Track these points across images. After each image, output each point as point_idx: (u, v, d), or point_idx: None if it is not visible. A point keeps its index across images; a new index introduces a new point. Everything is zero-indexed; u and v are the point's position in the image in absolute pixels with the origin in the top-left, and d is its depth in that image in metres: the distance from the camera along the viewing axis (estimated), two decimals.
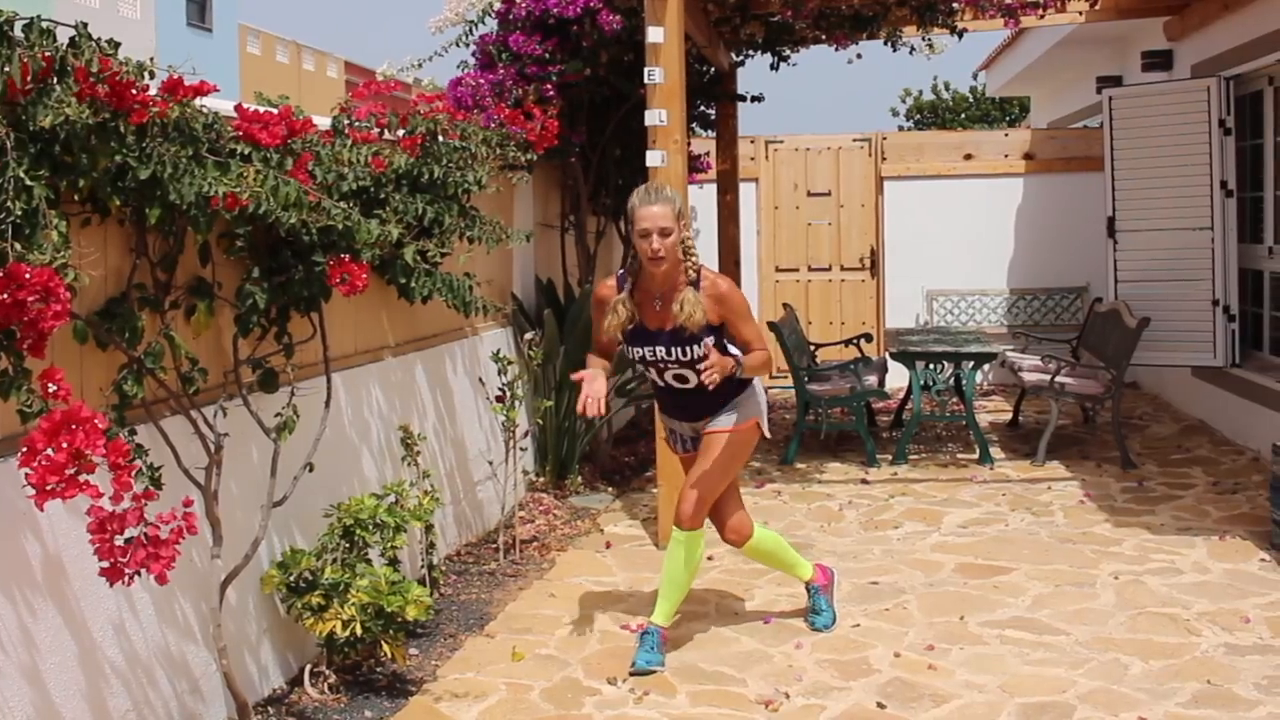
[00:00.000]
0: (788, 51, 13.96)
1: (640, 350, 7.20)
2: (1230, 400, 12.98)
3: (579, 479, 11.11)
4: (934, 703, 6.56)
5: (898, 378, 14.51)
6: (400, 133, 7.72)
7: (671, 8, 9.11)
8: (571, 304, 11.52)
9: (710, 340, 6.96)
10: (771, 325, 12.68)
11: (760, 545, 7.67)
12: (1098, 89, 15.65)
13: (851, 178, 17.81)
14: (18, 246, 4.32)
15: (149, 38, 43.22)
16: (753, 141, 17.67)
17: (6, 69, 4.44)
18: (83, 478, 4.18)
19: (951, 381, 12.92)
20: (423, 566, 8.20)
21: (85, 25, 4.82)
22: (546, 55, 10.69)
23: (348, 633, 6.46)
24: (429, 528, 8.10)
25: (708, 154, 14.89)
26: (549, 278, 11.91)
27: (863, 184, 17.79)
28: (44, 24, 4.67)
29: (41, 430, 4.16)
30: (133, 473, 4.54)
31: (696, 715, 6.50)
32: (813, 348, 14.31)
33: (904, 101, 44.20)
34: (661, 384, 7.33)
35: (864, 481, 11.65)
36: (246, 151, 5.73)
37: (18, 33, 4.56)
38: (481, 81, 10.67)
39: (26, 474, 4.17)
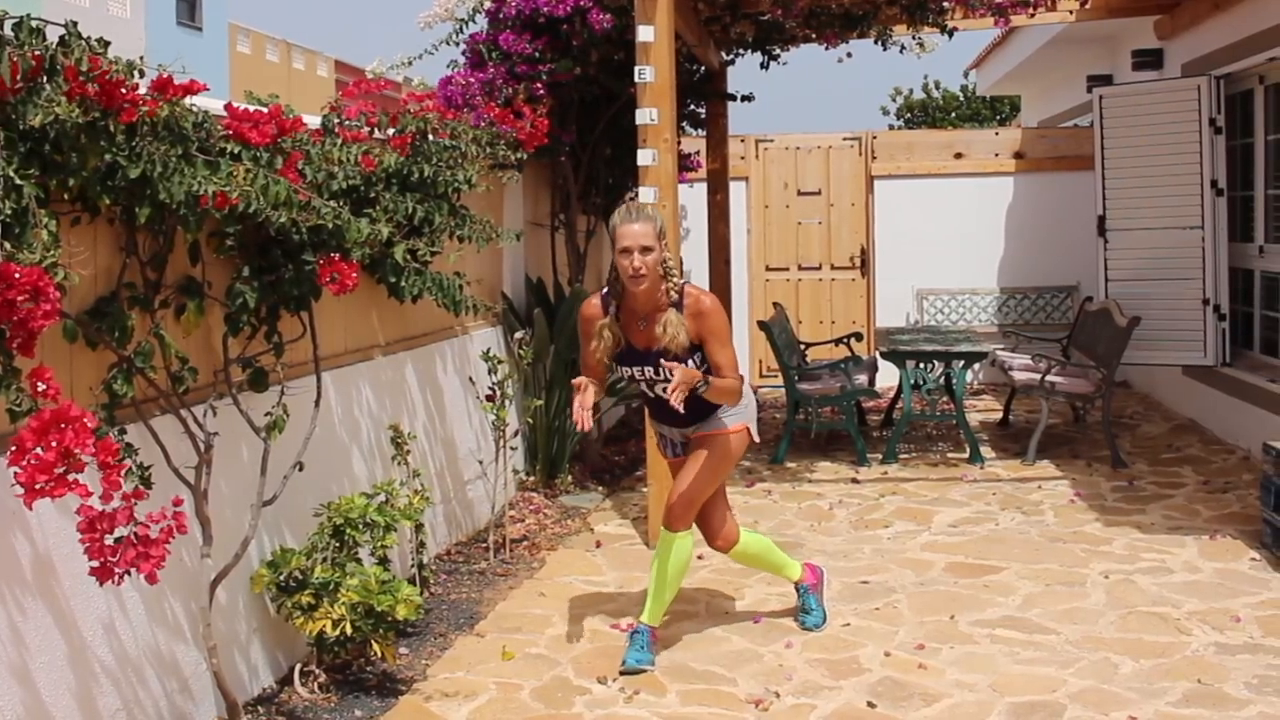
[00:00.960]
0: (778, 50, 13.97)
1: (630, 370, 7.22)
2: (1221, 399, 13.00)
3: (569, 478, 11.12)
4: (924, 702, 6.57)
5: (888, 377, 14.48)
6: (390, 132, 7.72)
7: (662, 7, 9.11)
8: (562, 303, 11.51)
9: (676, 364, 6.87)
10: (762, 324, 12.68)
11: (748, 549, 7.68)
12: (1088, 88, 15.65)
13: (842, 177, 17.81)
14: (7, 246, 4.32)
15: (139, 36, 43.17)
16: (743, 140, 17.66)
17: None
18: (72, 477, 4.18)
19: (942, 380, 12.91)
20: (413, 566, 8.20)
21: (75, 24, 4.81)
22: (537, 54, 10.69)
23: (338, 632, 6.46)
24: (419, 527, 8.10)
25: (698, 153, 14.87)
26: (539, 277, 11.90)
27: (853, 183, 17.79)
28: (34, 23, 4.67)
29: (30, 429, 4.15)
30: (122, 472, 4.53)
31: (687, 714, 6.50)
32: (803, 347, 14.31)
33: (894, 100, 44.23)
34: (652, 395, 7.33)
35: (854, 481, 11.66)
36: (236, 150, 5.73)
37: (7, 31, 4.56)
38: (472, 80, 10.66)
39: (15, 473, 4.16)
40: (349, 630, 6.48)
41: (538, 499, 10.69)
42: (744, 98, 14.72)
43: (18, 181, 4.46)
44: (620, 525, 10.16)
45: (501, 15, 10.85)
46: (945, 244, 17.38)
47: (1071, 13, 13.71)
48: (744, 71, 50.29)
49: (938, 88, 43.30)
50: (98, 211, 5.30)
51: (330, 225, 6.04)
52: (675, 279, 7.03)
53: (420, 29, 11.83)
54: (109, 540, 4.57)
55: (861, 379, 13.06)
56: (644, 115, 9.19)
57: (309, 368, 6.87)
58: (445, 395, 9.49)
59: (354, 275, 6.30)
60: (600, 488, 11.31)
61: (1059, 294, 17.27)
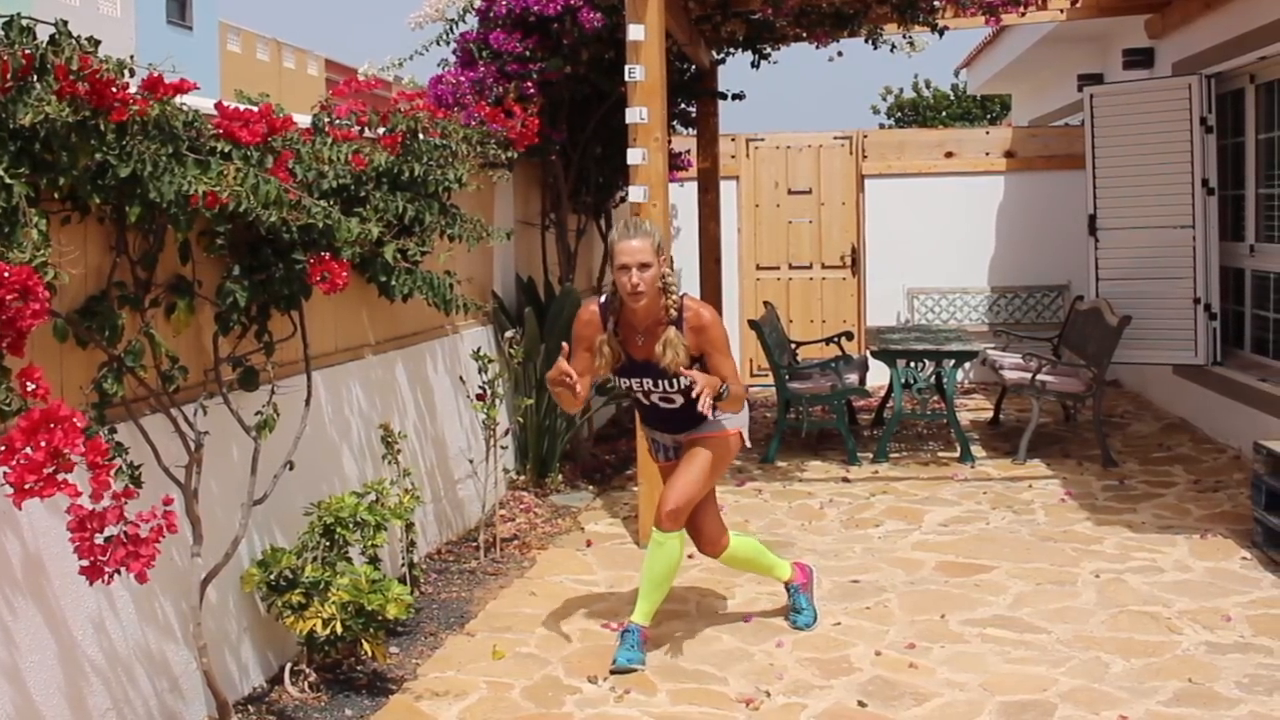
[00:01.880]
0: (768, 49, 13.99)
1: (628, 381, 7.28)
2: (1212, 398, 13.00)
3: (559, 477, 11.12)
4: (915, 701, 6.57)
5: (879, 376, 14.49)
6: (380, 131, 7.71)
7: (652, 5, 9.11)
8: (552, 302, 11.51)
9: (696, 373, 6.92)
10: (752, 323, 12.68)
11: (738, 553, 7.69)
12: (1079, 87, 15.64)
13: (832, 176, 17.80)
14: None
15: (129, 35, 43.13)
16: (733, 139, 17.65)
17: None
18: (61, 476, 4.17)
19: (933, 380, 12.90)
20: (403, 565, 8.19)
21: (65, 23, 4.81)
22: (527, 53, 10.69)
23: (328, 631, 6.45)
24: (409, 526, 8.09)
25: (688, 152, 14.90)
26: (529, 276, 11.89)
27: (843, 182, 17.78)
28: (24, 21, 4.66)
29: (20, 429, 4.14)
30: (112, 471, 4.52)
31: (677, 714, 6.50)
32: (794, 346, 14.32)
33: (885, 99, 44.29)
34: (646, 403, 7.35)
35: (845, 480, 11.66)
36: (227, 149, 5.72)
37: None
38: (462, 79, 10.66)
39: (5, 473, 4.15)
40: (339, 629, 6.48)
41: (528, 498, 10.69)
42: (735, 96, 14.76)
43: (8, 180, 4.46)
44: (611, 524, 10.16)
45: (492, 14, 10.86)
46: (936, 243, 17.38)
47: (1062, 11, 13.74)
48: (735, 70, 50.53)
49: (928, 87, 43.38)
50: (88, 210, 5.29)
51: (320, 224, 6.03)
52: (674, 294, 7.03)
53: (410, 29, 11.83)
54: (99, 539, 4.56)
55: (852, 378, 13.05)
56: (634, 114, 9.19)
57: (299, 367, 6.87)
58: (436, 394, 9.48)
59: (344, 274, 6.30)
60: (591, 487, 11.30)
61: (1050, 293, 17.28)
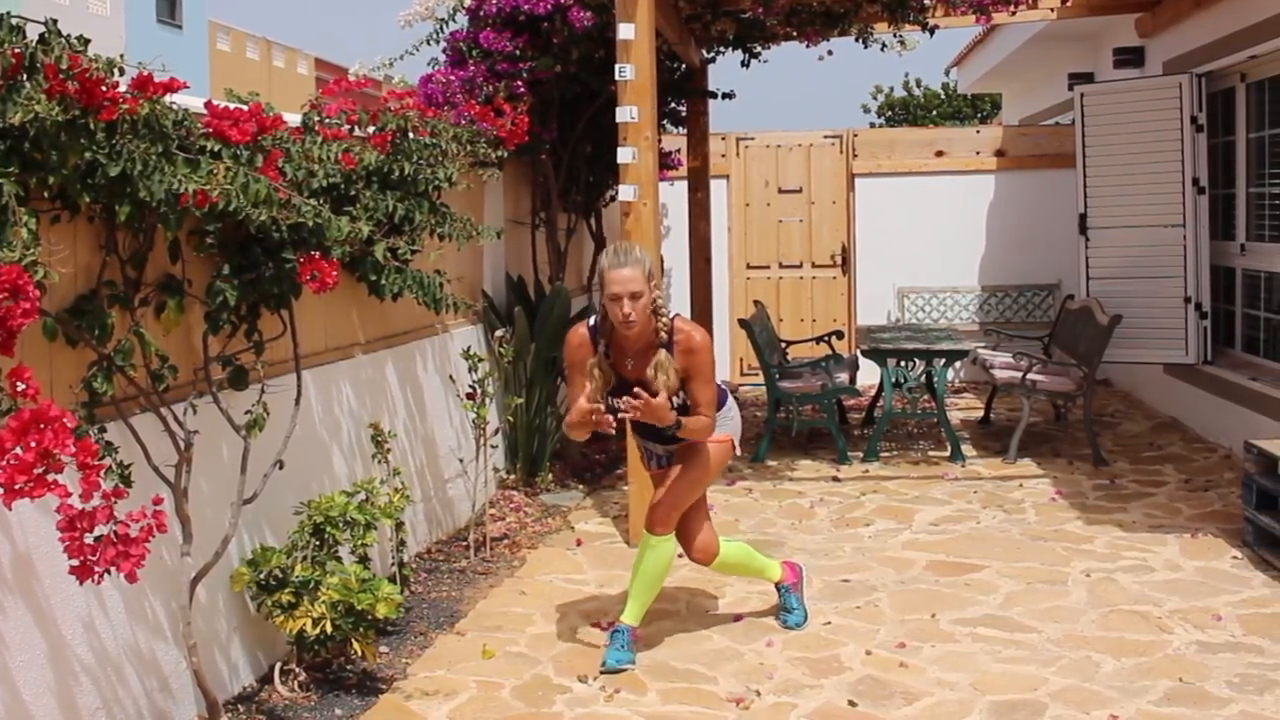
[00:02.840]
0: (759, 48, 13.97)
1: (619, 402, 7.25)
2: (1202, 397, 13.02)
3: (549, 476, 11.11)
4: (905, 700, 6.57)
5: (869, 375, 14.50)
6: (370, 130, 7.71)
7: (642, 4, 9.10)
8: (542, 301, 11.50)
9: (649, 400, 6.89)
10: (743, 323, 12.67)
11: (727, 559, 7.68)
12: (1069, 86, 15.64)
13: (823, 174, 17.80)
14: None
15: (118, 34, 43.10)
16: (724, 138, 17.65)
17: None
18: (51, 477, 4.16)
19: (923, 379, 12.90)
20: (393, 564, 8.19)
21: (55, 22, 4.80)
22: (517, 52, 10.68)
23: (318, 630, 6.45)
24: (399, 525, 8.08)
25: (679, 151, 14.90)
26: (520, 275, 11.88)
27: (834, 181, 17.78)
28: (13, 20, 4.65)
29: (10, 429, 4.13)
30: (102, 471, 4.52)
31: (667, 713, 6.50)
32: (784, 345, 14.32)
33: (875, 98, 44.36)
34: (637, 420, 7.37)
35: (835, 479, 11.66)
36: (216, 148, 5.72)
37: None
38: (452, 78, 10.66)
39: None
40: (329, 629, 6.48)
41: (518, 497, 10.69)
42: (725, 95, 14.75)
43: None
44: (601, 523, 10.16)
45: (482, 13, 10.84)
46: (926, 242, 17.38)
47: (1053, 10, 13.74)
48: (725, 69, 50.48)
49: (919, 86, 43.43)
50: (78, 209, 5.28)
51: (310, 223, 6.02)
52: (665, 316, 7.01)
53: (400, 28, 11.82)
54: (89, 539, 4.56)
55: (843, 377, 13.06)
56: (624, 113, 9.19)
57: (289, 366, 6.86)
58: (425, 393, 9.48)
59: (334, 273, 6.29)
60: (581, 486, 11.30)
61: (1040, 292, 17.29)
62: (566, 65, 10.93)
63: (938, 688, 6.72)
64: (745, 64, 14.06)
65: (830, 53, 13.86)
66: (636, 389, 6.86)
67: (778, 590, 7.89)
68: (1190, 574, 8.55)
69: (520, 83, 10.69)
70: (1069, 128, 15.92)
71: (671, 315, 7.06)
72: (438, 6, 11.44)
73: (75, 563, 4.57)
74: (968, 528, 9.83)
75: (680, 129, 15.08)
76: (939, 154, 17.67)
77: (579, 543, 9.60)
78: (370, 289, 7.77)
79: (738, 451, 7.55)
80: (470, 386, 9.40)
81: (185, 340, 6.24)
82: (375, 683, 6.87)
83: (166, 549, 5.92)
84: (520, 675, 7.00)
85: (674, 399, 7.01)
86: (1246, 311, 12.69)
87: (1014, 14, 12.64)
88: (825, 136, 17.86)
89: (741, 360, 17.65)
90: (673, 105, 14.48)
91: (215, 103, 5.91)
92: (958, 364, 16.15)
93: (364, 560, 7.24)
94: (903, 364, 12.73)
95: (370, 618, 6.67)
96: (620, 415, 6.96)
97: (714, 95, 14.72)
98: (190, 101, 5.76)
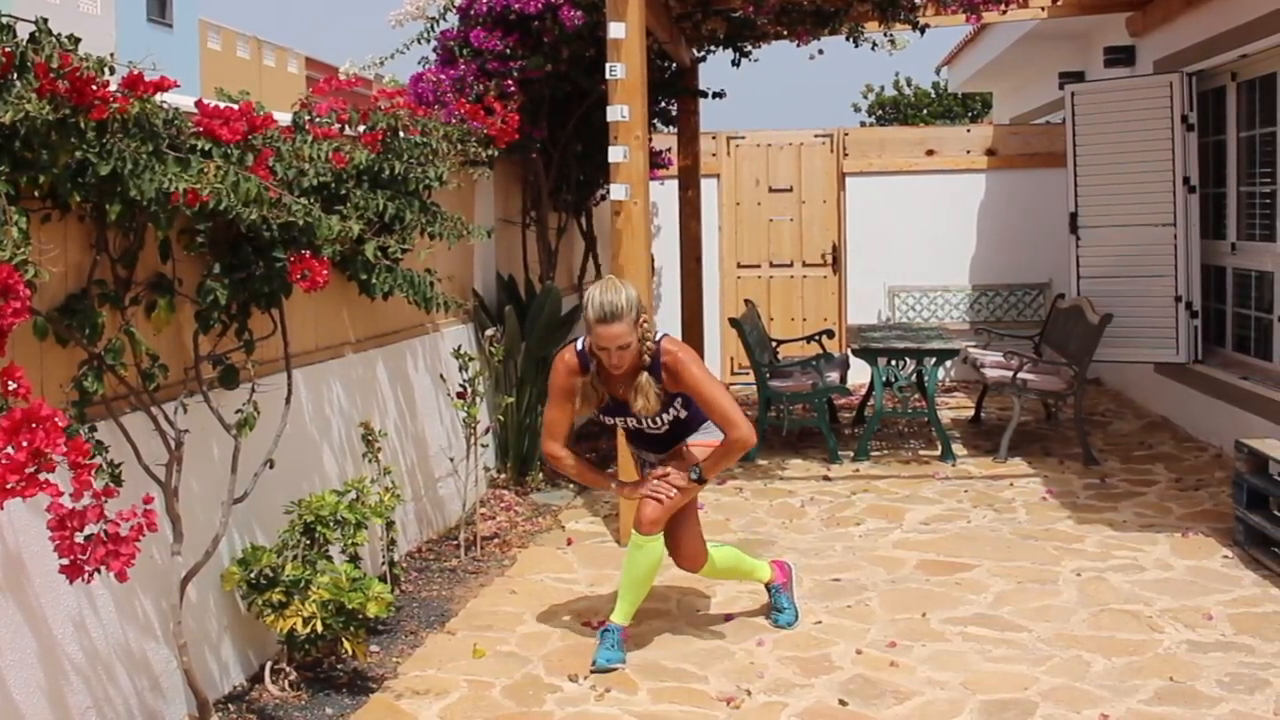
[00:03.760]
0: (749, 47, 13.99)
1: (613, 419, 7.38)
2: (1193, 396, 13.03)
3: (540, 475, 11.12)
4: (896, 700, 6.57)
5: (860, 374, 14.49)
6: (361, 128, 7.70)
7: (633, 3, 9.10)
8: (533, 300, 11.49)
9: (668, 473, 7.21)
10: (733, 321, 12.67)
11: (717, 565, 7.68)
12: (1060, 85, 15.65)
13: (813, 173, 17.81)
14: None
15: (109, 33, 43.04)
16: (714, 137, 17.65)
17: None
18: (43, 476, 4.16)
19: (914, 378, 12.91)
20: (384, 563, 8.18)
21: (45, 21, 4.80)
22: (508, 51, 10.68)
23: (308, 630, 6.44)
24: (390, 524, 8.08)
25: (669, 150, 14.91)
26: (510, 274, 11.88)
27: (824, 180, 17.79)
28: (4, 19, 4.65)
29: (1, 429, 4.13)
30: (92, 470, 4.51)
31: (658, 712, 6.50)
32: (774, 344, 14.31)
33: (866, 97, 44.31)
34: (632, 430, 7.37)
35: (826, 478, 11.67)
36: (207, 147, 5.72)
37: None
38: (442, 77, 10.66)
39: None
40: (320, 628, 6.47)
41: (509, 496, 10.69)
42: (715, 94, 14.76)
43: None
44: (591, 523, 10.16)
45: (473, 12, 10.85)
46: (917, 241, 17.40)
47: (1043, 9, 13.75)
48: (715, 68, 50.52)
49: (909, 85, 43.42)
50: (68, 208, 5.27)
51: (301, 222, 6.02)
52: (650, 340, 7.02)
53: (391, 27, 11.81)
54: (79, 538, 4.55)
55: (833, 376, 13.05)
56: (615, 112, 9.19)
57: (280, 365, 6.86)
58: (416, 393, 9.48)
59: (325, 272, 6.29)
60: (571, 485, 11.27)
61: (1031, 291, 17.30)
62: (557, 64, 10.94)
63: (928, 687, 6.72)
64: (736, 63, 14.08)
65: (821, 52, 13.88)
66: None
67: (768, 590, 7.90)
68: (1181, 573, 8.56)
69: (511, 81, 10.69)
70: (1060, 127, 15.92)
71: (658, 337, 7.07)
72: (428, 5, 11.44)
73: (65, 562, 4.56)
74: (958, 527, 9.83)
75: (671, 128, 15.10)
76: (930, 153, 17.67)
77: (569, 542, 9.60)
78: (361, 288, 7.77)
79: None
80: (461, 385, 9.40)
81: (176, 339, 6.23)
82: (366, 682, 6.86)
83: (157, 548, 5.92)
84: (511, 674, 7.00)
85: (664, 414, 7.13)
86: (1237, 310, 12.70)
87: (1004, 13, 12.66)
88: (816, 135, 17.87)
89: (732, 359, 17.67)
90: (663, 104, 14.50)
91: (206, 102, 5.90)
92: (948, 363, 16.12)
93: (354, 559, 7.23)
94: (893, 363, 12.73)
95: (361, 617, 6.66)
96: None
97: (704, 94, 14.72)
98: (181, 100, 5.76)
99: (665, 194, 16.12)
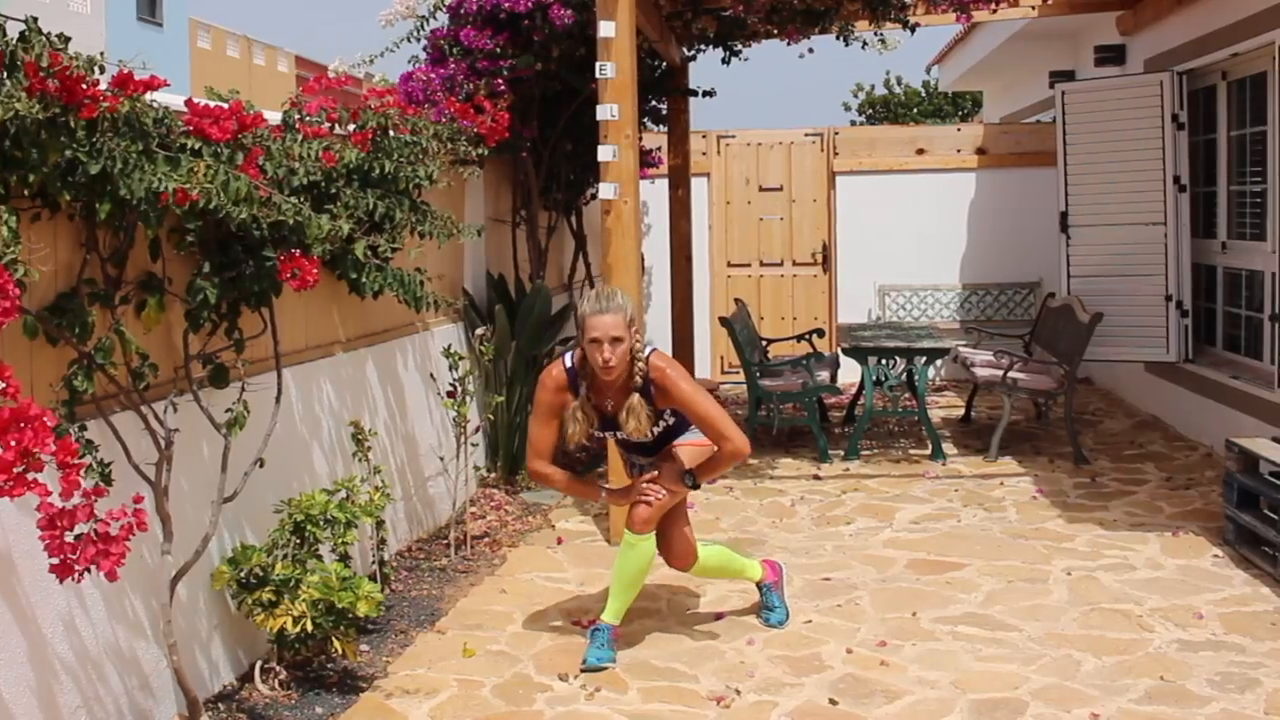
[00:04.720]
0: (739, 46, 13.99)
1: (605, 435, 7.42)
2: (1183, 395, 13.04)
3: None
4: (886, 699, 6.57)
5: (850, 373, 14.50)
6: (351, 127, 7.70)
7: (623, 2, 9.10)
8: (523, 299, 11.49)
9: (658, 480, 7.29)
10: (723, 320, 12.67)
11: (707, 564, 7.69)
12: (1050, 84, 15.69)
13: (803, 172, 17.82)
14: None
15: (99, 32, 42.89)
16: (704, 136, 17.65)
17: None
18: (31, 476, 4.15)
19: (904, 377, 12.92)
20: (374, 562, 8.18)
21: (35, 20, 4.79)
22: (498, 50, 10.68)
23: (298, 629, 6.44)
24: (380, 523, 8.07)
25: (659, 149, 14.92)
26: (500, 273, 11.87)
27: (814, 179, 17.80)
28: None
29: None
30: (82, 470, 4.51)
31: (648, 711, 6.50)
32: (765, 343, 14.32)
33: (856, 96, 44.29)
34: (620, 438, 7.40)
35: (816, 477, 11.67)
36: (197, 146, 5.71)
37: None
38: (432, 76, 10.66)
39: None
40: (310, 627, 6.47)
41: (499, 495, 10.69)
42: (705, 93, 14.78)
43: None
44: (581, 522, 10.15)
45: (463, 11, 10.85)
46: (907, 240, 17.40)
47: (1034, 8, 13.77)
48: (705, 67, 50.48)
49: (900, 83, 43.38)
50: (58, 207, 5.27)
51: (291, 221, 6.01)
52: (641, 361, 7.04)
53: (381, 26, 11.80)
54: (69, 537, 4.55)
55: (823, 375, 13.05)
56: (605, 111, 9.18)
57: (270, 364, 6.85)
58: (406, 392, 9.47)
59: (315, 271, 6.29)
60: None
61: (1021, 290, 17.31)
62: (547, 63, 10.94)
63: (918, 686, 6.72)
64: (726, 62, 14.09)
65: (811, 50, 13.84)
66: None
67: (759, 589, 7.90)
68: (1171, 572, 8.57)
69: (501, 80, 10.69)
70: (1050, 126, 15.95)
71: (647, 353, 7.09)
72: (418, 4, 11.44)
73: (55, 561, 4.56)
74: (948, 526, 9.84)
75: (661, 127, 15.10)
76: (920, 152, 17.68)
77: (559, 541, 9.59)
78: (351, 287, 7.76)
79: None
80: (451, 384, 9.39)
81: (166, 338, 6.23)
82: (356, 681, 6.86)
83: (147, 547, 5.91)
84: (501, 673, 6.99)
85: (655, 428, 7.18)
86: (1228, 309, 12.71)
87: (995, 12, 12.66)
88: (806, 134, 17.87)
89: (722, 358, 17.67)
90: (653, 103, 14.50)
91: (196, 100, 5.90)
92: (939, 362, 16.17)
93: (344, 559, 7.24)
94: (884, 362, 12.73)
95: (351, 616, 6.66)
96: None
97: (694, 93, 14.74)
98: (171, 99, 5.76)
99: (655, 193, 16.14)
